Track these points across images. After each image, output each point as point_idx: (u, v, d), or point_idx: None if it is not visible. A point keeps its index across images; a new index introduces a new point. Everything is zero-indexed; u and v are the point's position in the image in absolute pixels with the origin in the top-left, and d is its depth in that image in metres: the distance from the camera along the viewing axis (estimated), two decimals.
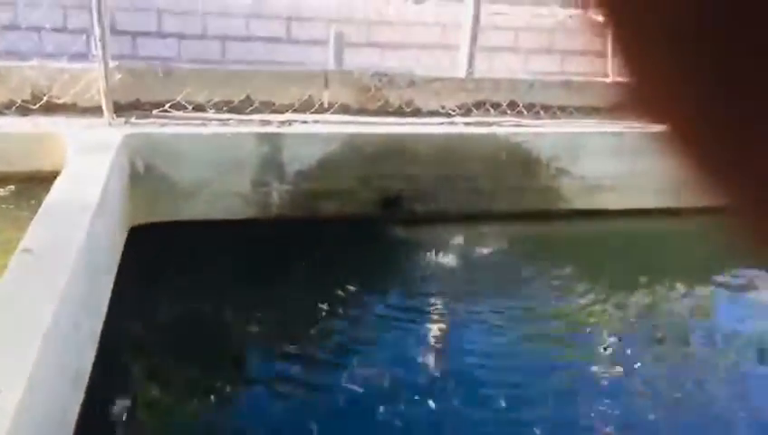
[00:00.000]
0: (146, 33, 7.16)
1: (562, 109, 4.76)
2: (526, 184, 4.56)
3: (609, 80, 5.24)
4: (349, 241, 4.36)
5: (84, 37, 5.69)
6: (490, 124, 4.58)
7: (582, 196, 4.63)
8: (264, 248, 4.17)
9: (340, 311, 3.68)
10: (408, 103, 4.61)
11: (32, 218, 3.22)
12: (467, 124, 4.57)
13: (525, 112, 4.69)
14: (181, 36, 7.34)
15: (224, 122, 4.29)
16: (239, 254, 4.14)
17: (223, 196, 4.20)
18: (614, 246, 4.62)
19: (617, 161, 4.60)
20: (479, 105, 4.70)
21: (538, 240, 4.60)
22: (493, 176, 4.50)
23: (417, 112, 4.62)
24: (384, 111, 4.60)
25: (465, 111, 4.68)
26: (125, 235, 3.91)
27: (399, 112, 4.59)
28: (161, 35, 7.25)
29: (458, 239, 4.49)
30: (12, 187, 3.77)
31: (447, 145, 4.43)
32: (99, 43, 4.05)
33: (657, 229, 4.76)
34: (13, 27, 5.24)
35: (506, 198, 4.54)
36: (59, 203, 3.14)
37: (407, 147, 4.38)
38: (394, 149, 4.38)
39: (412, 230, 4.56)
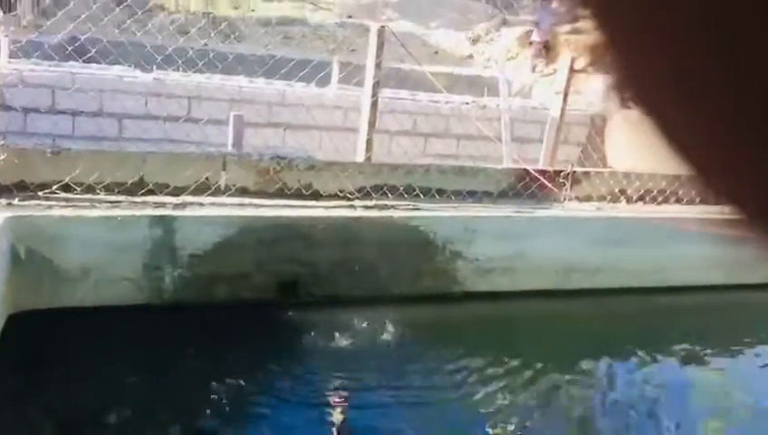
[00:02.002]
0: (38, 110, 6.94)
1: (457, 193, 4.91)
2: (423, 267, 4.64)
3: (500, 166, 5.48)
4: (245, 327, 4.25)
5: None
6: (388, 208, 4.66)
7: (477, 278, 4.75)
8: (155, 335, 4.00)
9: (234, 401, 3.56)
10: (307, 187, 4.64)
11: None
12: (366, 208, 4.64)
13: (422, 196, 4.81)
14: (75, 113, 7.17)
15: (114, 204, 4.17)
16: (129, 341, 3.96)
17: (112, 281, 4.03)
18: (507, 328, 4.73)
19: (509, 244, 4.76)
20: (377, 189, 4.78)
21: (435, 323, 4.64)
22: (390, 259, 4.55)
23: (316, 196, 4.65)
24: (283, 193, 4.60)
25: (364, 194, 4.75)
26: (2, 323, 3.67)
27: (298, 195, 4.61)
28: (54, 112, 7.05)
29: (357, 323, 4.47)
30: None
31: (346, 229, 4.46)
32: None
33: (551, 310, 4.91)
34: None
35: (404, 282, 4.59)
36: None
37: (305, 230, 4.39)
38: (292, 233, 4.37)
39: (310, 314, 4.51)
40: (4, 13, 7.74)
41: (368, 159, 4.95)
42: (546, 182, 4.97)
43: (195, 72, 7.33)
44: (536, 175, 4.99)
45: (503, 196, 5.06)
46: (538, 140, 7.02)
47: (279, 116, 7.49)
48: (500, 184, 5.06)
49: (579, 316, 5.06)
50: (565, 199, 5.09)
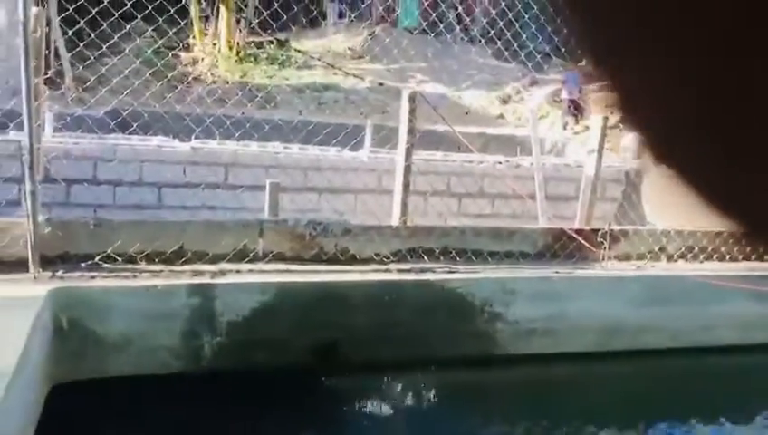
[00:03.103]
0: (81, 181, 7.14)
1: (493, 254, 4.89)
2: (461, 330, 4.59)
3: (536, 226, 5.46)
4: (283, 393, 4.24)
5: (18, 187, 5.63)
6: (424, 271, 4.65)
7: (517, 340, 4.67)
8: (194, 404, 4.00)
9: None
10: (344, 251, 4.66)
11: None
12: (402, 271, 4.63)
13: (458, 258, 4.79)
14: (116, 183, 7.36)
15: (155, 274, 4.23)
16: (168, 410, 3.96)
17: (152, 350, 4.06)
18: (549, 391, 4.62)
19: (549, 305, 4.70)
20: (413, 252, 4.79)
21: (475, 387, 4.57)
22: (428, 322, 4.51)
23: (352, 260, 4.67)
24: (319, 258, 4.63)
25: (400, 257, 4.76)
26: (45, 393, 3.71)
27: (335, 260, 4.63)
28: (96, 182, 7.25)
29: (395, 388, 4.42)
30: None
31: (382, 293, 4.45)
32: (28, 197, 4.02)
33: (592, 372, 4.80)
34: None
35: (442, 345, 4.54)
36: None
37: (342, 295, 4.39)
38: (329, 298, 4.37)
39: (348, 380, 4.48)
40: (49, 90, 8.07)
41: (403, 222, 4.98)
42: (584, 242, 4.93)
43: (231, 141, 7.52)
44: (573, 235, 4.95)
45: (540, 256, 5.01)
46: (573, 198, 6.98)
47: (314, 181, 7.60)
48: (537, 244, 5.02)
49: (621, 378, 4.93)
50: (604, 259, 5.03)
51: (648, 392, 4.73)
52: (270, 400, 4.17)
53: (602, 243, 5.03)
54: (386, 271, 4.66)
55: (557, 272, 4.81)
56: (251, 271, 4.42)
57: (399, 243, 4.80)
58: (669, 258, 5.33)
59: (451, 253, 4.82)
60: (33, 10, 4.20)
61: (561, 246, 5.00)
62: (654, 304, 4.90)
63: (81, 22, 4.89)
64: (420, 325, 4.53)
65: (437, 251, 4.81)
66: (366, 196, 7.41)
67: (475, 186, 7.83)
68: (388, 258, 4.74)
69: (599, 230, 5.11)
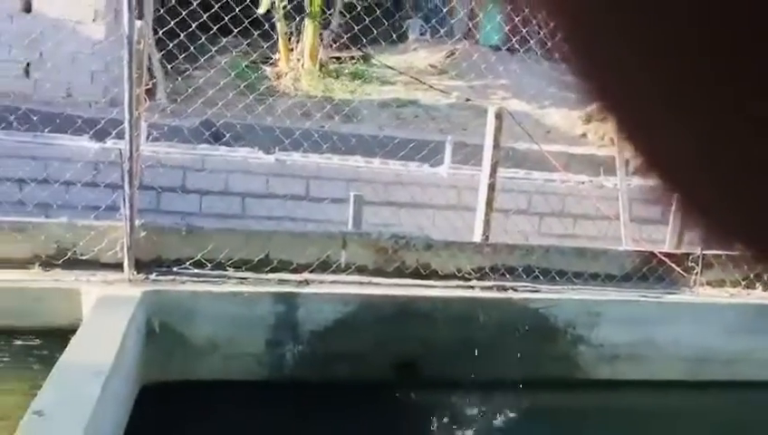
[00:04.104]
0: (170, 189, 7.39)
1: (578, 275, 4.78)
2: (543, 351, 4.50)
3: (622, 248, 5.31)
4: (362, 406, 4.24)
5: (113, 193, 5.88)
6: (506, 289, 4.59)
7: (601, 365, 4.55)
8: (275, 411, 4.06)
9: None
10: (425, 266, 4.65)
11: (43, 376, 3.18)
12: (484, 288, 4.59)
13: (541, 278, 4.71)
14: (203, 192, 7.59)
15: (242, 281, 4.33)
16: (250, 417, 4.03)
17: (237, 356, 4.15)
18: (633, 419, 4.47)
19: (636, 330, 4.55)
20: (495, 269, 4.74)
21: (556, 410, 4.46)
22: (509, 342, 4.44)
23: (433, 275, 4.65)
24: (401, 272, 4.63)
25: (482, 275, 4.71)
26: (135, 394, 3.83)
27: (416, 275, 4.63)
28: (185, 191, 7.49)
29: (474, 407, 4.37)
30: (26, 342, 3.75)
31: (464, 310, 4.41)
32: (126, 203, 4.18)
33: (681, 402, 4.62)
34: (43, 182, 5.45)
35: (523, 365, 4.46)
36: (73, 363, 3.11)
37: (423, 311, 4.38)
38: (410, 313, 4.37)
39: (427, 396, 4.46)
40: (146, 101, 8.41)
41: (485, 238, 4.93)
42: (674, 266, 4.76)
43: (314, 154, 7.65)
44: (663, 258, 4.80)
45: (627, 279, 4.87)
46: (659, 222, 6.78)
47: (394, 195, 7.64)
48: (624, 267, 4.88)
49: (712, 410, 4.72)
50: (695, 284, 4.84)
51: (739, 426, 4.52)
52: (349, 412, 4.19)
53: (693, 268, 4.85)
54: (468, 288, 4.62)
55: (645, 296, 4.66)
56: (334, 282, 4.47)
57: (481, 260, 4.76)
58: (766, 286, 5.09)
59: (534, 272, 4.74)
60: (137, 23, 4.39)
61: (650, 270, 4.85)
62: (748, 332, 4.68)
63: (170, 43, 5.08)
64: (501, 344, 4.47)
65: (520, 269, 4.74)
66: (445, 212, 7.39)
67: (556, 205, 7.70)
68: (470, 275, 4.71)
69: (690, 254, 4.94)
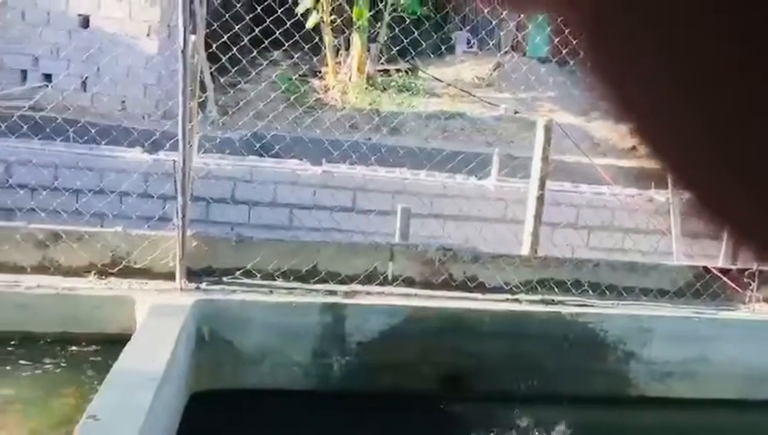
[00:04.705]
0: (220, 200, 7.52)
1: (629, 290, 4.70)
2: (592, 367, 4.42)
3: (674, 262, 5.20)
4: (407, 418, 4.23)
5: (165, 204, 6.02)
6: (555, 303, 4.53)
7: (652, 382, 4.45)
8: (323, 421, 4.08)
9: None
10: (472, 278, 4.63)
11: (98, 382, 3.26)
12: (532, 302, 4.54)
13: (591, 292, 4.64)
14: (252, 203, 7.70)
15: (290, 291, 4.37)
16: (297, 426, 4.06)
17: (285, 365, 4.18)
18: None
19: (689, 347, 4.45)
20: (543, 283, 4.69)
21: (605, 427, 4.38)
22: (557, 356, 4.38)
23: (480, 288, 4.63)
24: (448, 285, 4.62)
25: (529, 288, 4.67)
26: (185, 401, 3.90)
27: (463, 287, 4.61)
28: (234, 202, 7.62)
29: (521, 422, 4.31)
30: (82, 348, 3.85)
31: (511, 323, 4.38)
32: (179, 213, 4.27)
33: (736, 422, 4.48)
34: (100, 193, 5.61)
35: (571, 381, 4.39)
36: (127, 369, 3.18)
37: (470, 323, 4.35)
38: (456, 325, 4.35)
39: (472, 409, 4.42)
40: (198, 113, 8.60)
41: (534, 252, 4.89)
42: (729, 282, 4.64)
43: (360, 166, 7.70)
44: (717, 274, 4.68)
45: (679, 295, 4.76)
46: (712, 236, 6.61)
47: (440, 207, 7.63)
48: (676, 282, 4.78)
49: (766, 430, 4.57)
50: (751, 301, 4.71)
51: None
52: (395, 423, 4.18)
53: (749, 283, 4.72)
54: (515, 301, 4.58)
55: (698, 312, 4.55)
56: (380, 293, 4.48)
57: (530, 273, 4.72)
58: None
59: (583, 286, 4.68)
60: (191, 38, 4.49)
61: (703, 285, 4.73)
62: None
63: (223, 57, 5.19)
64: (549, 359, 4.41)
65: (569, 283, 4.68)
66: (492, 224, 7.34)
67: (606, 219, 7.59)
68: (518, 288, 4.66)
69: (745, 270, 4.81)
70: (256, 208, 7.72)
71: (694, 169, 0.32)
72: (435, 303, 4.42)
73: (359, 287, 4.51)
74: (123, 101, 9.55)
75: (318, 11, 11.40)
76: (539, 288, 4.68)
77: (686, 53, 0.29)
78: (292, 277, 4.47)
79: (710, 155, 0.31)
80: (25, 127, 4.78)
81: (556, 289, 4.67)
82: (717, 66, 0.29)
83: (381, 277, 4.58)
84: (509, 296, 4.61)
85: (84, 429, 2.67)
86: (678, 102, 0.31)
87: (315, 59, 12.11)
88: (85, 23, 9.62)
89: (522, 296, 4.62)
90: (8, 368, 3.55)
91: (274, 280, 4.44)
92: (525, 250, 4.94)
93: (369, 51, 13.05)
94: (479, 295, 4.58)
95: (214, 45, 5.37)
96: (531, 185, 5.01)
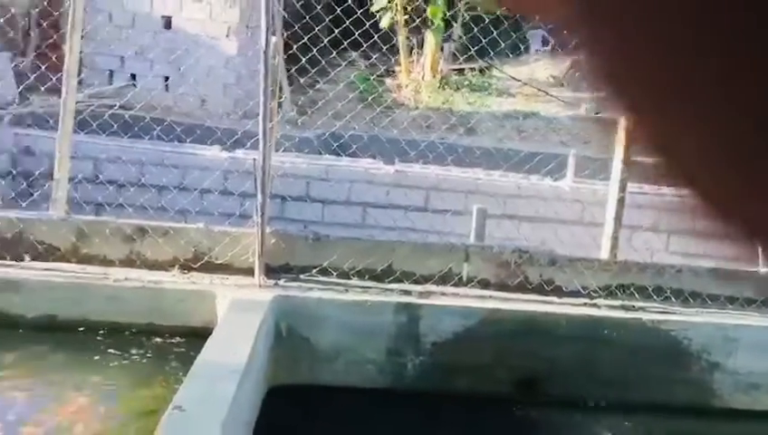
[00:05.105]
0: (295, 198, 7.65)
1: (713, 297, 4.53)
2: (674, 376, 4.29)
3: (761, 270, 4.99)
4: (481, 420, 4.21)
5: (242, 202, 6.17)
6: (635, 309, 4.42)
7: (738, 393, 4.28)
8: (396, 420, 4.10)
9: None
10: (548, 282, 4.56)
11: (182, 373, 3.37)
12: (611, 307, 4.44)
13: (673, 299, 4.50)
14: (325, 201, 7.80)
15: (365, 290, 4.41)
16: (370, 424, 4.09)
17: (359, 363, 4.22)
18: None
19: None
20: (623, 288, 4.57)
21: None
22: (637, 364, 4.27)
23: (557, 291, 4.55)
24: (523, 287, 4.57)
25: (608, 293, 4.56)
26: (263, 395, 3.98)
27: (539, 290, 4.55)
28: (308, 200, 7.73)
29: (596, 429, 4.23)
30: (166, 340, 3.98)
31: (589, 328, 4.29)
32: (259, 211, 4.37)
33: None
34: (183, 190, 5.78)
35: (651, 390, 4.27)
36: (210, 362, 3.27)
37: (546, 327, 4.29)
38: (533, 328, 4.29)
39: (546, 414, 4.36)
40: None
41: (613, 256, 4.77)
42: None
43: (434, 165, 7.69)
44: None
45: (767, 303, 4.57)
46: None
47: (514, 208, 7.55)
48: (764, 290, 4.58)
49: None
50: None
51: None
52: (468, 425, 4.16)
53: None
54: (593, 306, 4.49)
55: None
56: (455, 295, 4.46)
57: (609, 278, 4.61)
58: None
59: (665, 292, 4.54)
60: (273, 39, 4.58)
61: None
62: None
63: (303, 58, 5.27)
64: (628, 366, 4.30)
65: (650, 289, 4.56)
66: (569, 227, 7.21)
67: (688, 223, 7.33)
68: (596, 293, 4.57)
69: None
70: (330, 206, 7.81)
71: (702, 163, 0.32)
72: (510, 305, 4.37)
73: (433, 288, 4.51)
74: (203, 100, 9.83)
75: (391, 10, 11.45)
76: (618, 293, 4.57)
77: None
78: (367, 276, 4.51)
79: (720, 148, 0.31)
80: (115, 126, 4.98)
81: (637, 295, 4.55)
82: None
83: (456, 278, 4.56)
84: (587, 301, 4.52)
85: (170, 419, 2.76)
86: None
87: (393, 59, 12.16)
88: (168, 24, 9.94)
89: (600, 301, 4.53)
90: (97, 357, 3.71)
91: (349, 279, 4.48)
92: (604, 254, 4.82)
93: (442, 50, 13.01)
94: (555, 299, 4.50)
95: (294, 47, 5.45)
96: (611, 187, 4.89)
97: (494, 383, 4.30)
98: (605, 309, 4.42)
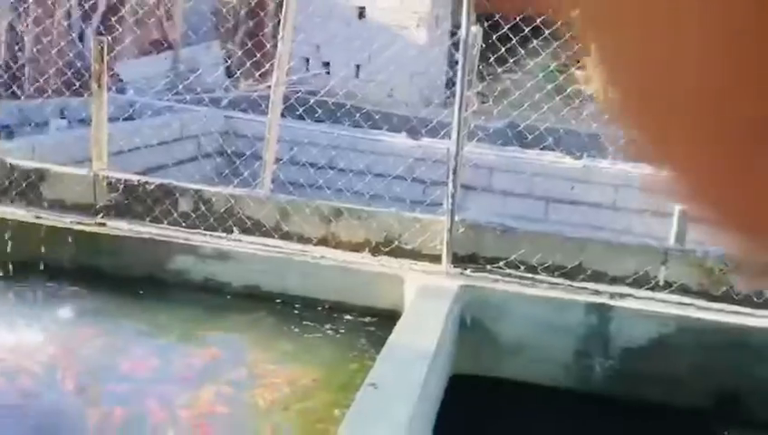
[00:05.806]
0: (475, 189, 7.61)
1: None
2: None
3: None
4: (671, 433, 3.97)
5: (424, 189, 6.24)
6: None
7: None
8: (579, 423, 3.97)
9: None
10: (759, 294, 4.18)
11: (371, 352, 3.48)
12: None
13: None
14: (508, 194, 7.70)
15: (553, 286, 4.29)
16: (552, 423, 3.99)
17: (543, 360, 4.12)
18: None
19: None
20: None
21: None
22: None
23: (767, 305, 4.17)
24: (729, 298, 4.22)
25: None
26: (445, 382, 4.01)
27: (748, 302, 4.18)
28: (490, 191, 7.68)
29: None
30: (356, 319, 4.13)
31: None
32: (450, 199, 4.39)
33: None
34: (378, 176, 5.94)
35: None
36: (401, 344, 3.34)
37: (754, 342, 3.94)
38: (738, 343, 3.97)
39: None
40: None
41: None
42: None
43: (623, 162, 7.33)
44: None
45: None
46: None
47: None
48: None
49: None
50: None
51: None
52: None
53: None
54: None
55: None
56: (651, 299, 4.22)
57: None
58: None
59: None
60: (473, 29, 4.57)
61: None
62: None
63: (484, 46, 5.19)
64: None
65: None
66: None
67: None
68: None
69: None
70: (511, 199, 7.71)
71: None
72: (713, 316, 4.07)
73: (626, 290, 4.29)
74: (390, 89, 10.06)
75: None
76: None
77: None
78: (555, 272, 4.39)
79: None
80: (319, 111, 5.23)
81: None
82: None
83: (652, 282, 4.31)
84: None
85: (365, 395, 2.85)
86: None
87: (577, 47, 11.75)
88: (361, 13, 10.26)
89: None
90: (294, 328, 3.92)
91: (537, 273, 4.38)
92: None
93: None
94: (766, 313, 4.12)
95: (494, 36, 5.40)
96: None
97: (689, 397, 4.02)
98: None
